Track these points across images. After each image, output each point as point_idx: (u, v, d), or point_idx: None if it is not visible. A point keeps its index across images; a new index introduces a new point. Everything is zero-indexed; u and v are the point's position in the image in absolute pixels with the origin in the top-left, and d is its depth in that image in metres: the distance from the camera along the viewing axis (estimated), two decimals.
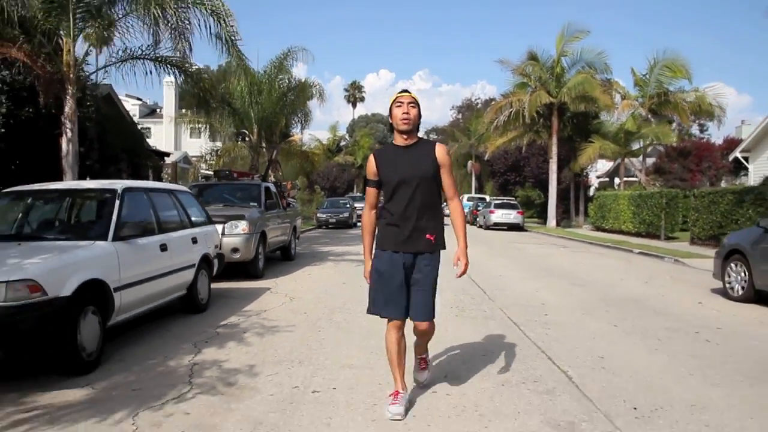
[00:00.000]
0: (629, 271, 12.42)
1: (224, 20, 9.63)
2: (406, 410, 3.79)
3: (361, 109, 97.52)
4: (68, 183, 7.32)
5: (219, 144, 36.31)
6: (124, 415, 3.77)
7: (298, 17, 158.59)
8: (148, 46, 9.98)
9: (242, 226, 9.88)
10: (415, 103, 3.86)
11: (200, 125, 24.39)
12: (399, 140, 3.89)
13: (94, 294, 4.75)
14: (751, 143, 27.32)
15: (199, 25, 9.73)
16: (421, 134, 3.92)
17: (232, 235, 9.74)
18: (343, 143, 66.27)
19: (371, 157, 3.96)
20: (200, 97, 11.18)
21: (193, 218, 7.38)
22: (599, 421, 3.70)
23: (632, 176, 34.78)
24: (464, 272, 3.90)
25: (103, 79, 10.66)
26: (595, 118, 30.31)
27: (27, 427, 3.59)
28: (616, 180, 36.83)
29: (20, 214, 5.88)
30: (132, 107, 42.19)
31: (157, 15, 9.10)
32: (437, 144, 3.95)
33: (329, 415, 3.77)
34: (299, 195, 34.92)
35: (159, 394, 4.19)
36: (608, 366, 4.94)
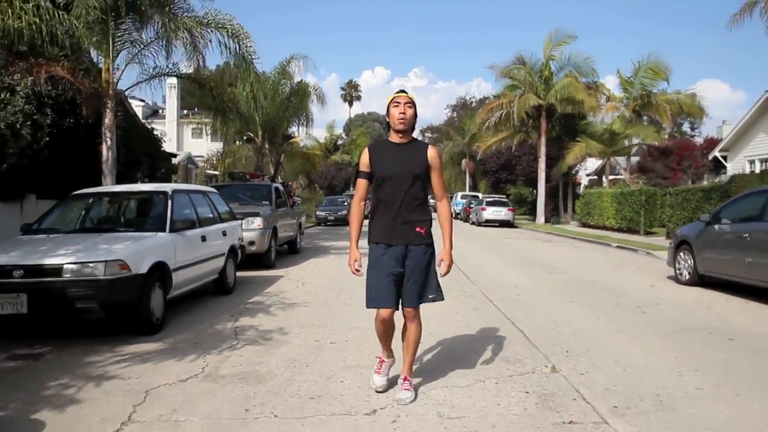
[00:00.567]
0: (602, 262, 13.87)
1: (243, 41, 11.05)
2: (389, 383, 4.23)
3: (358, 108, 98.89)
4: (126, 186, 8.70)
5: (221, 144, 37.66)
6: (194, 357, 5.19)
7: (294, 14, 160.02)
8: (174, 63, 11.37)
9: (257, 222, 11.28)
10: (412, 104, 4.08)
11: (202, 126, 25.76)
12: (394, 138, 4.10)
13: (160, 273, 6.16)
14: (729, 143, 28.79)
15: (220, 45, 11.11)
16: (416, 133, 4.57)
17: (249, 229, 11.11)
18: (340, 142, 67.44)
19: (366, 150, 4.14)
20: (217, 107, 12.57)
21: (222, 215, 8.78)
22: (539, 357, 5.14)
23: (618, 175, 36.25)
24: (447, 272, 4.10)
25: (132, 91, 12.05)
26: (582, 119, 31.75)
27: (126, 365, 4.99)
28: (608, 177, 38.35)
29: (92, 212, 7.29)
30: (135, 108, 43.47)
31: (185, 38, 10.49)
32: (430, 146, 4.17)
33: (344, 356, 5.19)
34: (300, 194, 36.32)
35: (215, 345, 5.60)
36: (556, 327, 6.38)
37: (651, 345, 5.72)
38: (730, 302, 8.35)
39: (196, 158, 39.51)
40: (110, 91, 10.82)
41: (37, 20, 9.21)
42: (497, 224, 30.53)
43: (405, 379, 4.16)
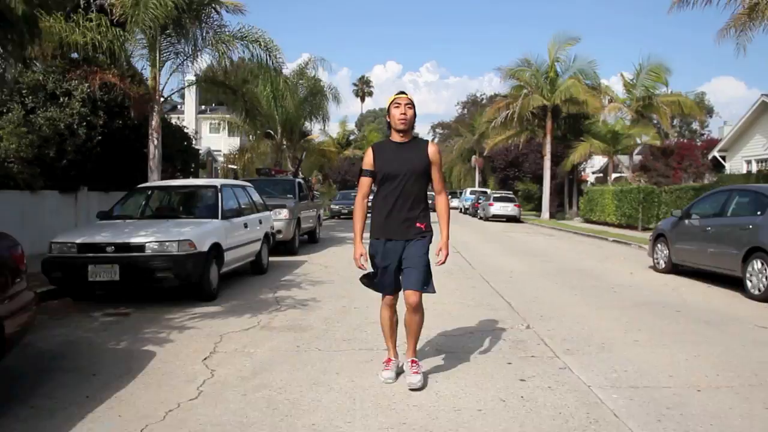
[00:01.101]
0: (594, 253, 15.22)
1: (274, 54, 12.53)
2: (397, 375, 4.40)
3: (369, 103, 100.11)
4: (181, 180, 10.22)
5: (237, 139, 39.14)
6: (249, 316, 6.65)
7: (307, 8, 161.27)
8: (214, 72, 12.84)
9: (284, 213, 12.74)
10: (412, 105, 4.26)
11: (219, 122, 27.20)
12: (396, 137, 4.28)
13: (216, 251, 7.63)
14: (728, 143, 29.95)
15: (252, 57, 12.58)
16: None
17: (277, 219, 12.55)
18: (352, 137, 68.77)
19: (369, 150, 4.33)
20: (247, 110, 14.06)
21: (257, 206, 10.24)
22: (518, 319, 6.57)
23: (622, 173, 37.47)
24: (444, 262, 4.31)
25: (171, 95, 13.54)
26: (586, 119, 33.00)
27: (198, 320, 6.45)
28: (613, 175, 39.59)
29: (154, 202, 8.79)
30: None
31: (222, 50, 11.96)
32: (430, 143, 4.37)
33: (366, 316, 6.61)
34: (318, 188, 37.86)
35: (263, 308, 7.06)
36: (537, 301, 7.80)
37: (611, 313, 7.13)
38: (694, 286, 9.69)
39: (215, 152, 41.12)
40: (157, 97, 12.31)
41: (98, 36, 10.67)
42: (504, 219, 31.82)
43: (413, 362, 4.36)
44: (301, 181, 15.72)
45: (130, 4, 10.74)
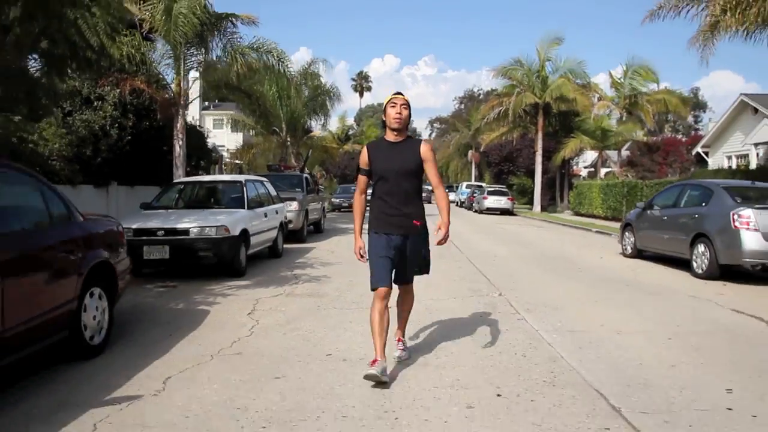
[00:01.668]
0: (575, 242, 16.75)
1: (284, 63, 14.03)
2: (383, 371, 4.14)
3: (368, 98, 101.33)
4: (210, 176, 11.70)
5: (240, 135, 40.50)
6: (274, 287, 8.17)
7: (305, 0, 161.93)
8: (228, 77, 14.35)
9: (294, 205, 14.24)
10: (407, 105, 4.39)
11: (223, 118, 28.62)
12: (390, 136, 4.41)
13: (244, 236, 9.15)
14: (710, 140, 31.51)
15: (265, 64, 14.07)
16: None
17: (288, 211, 14.05)
18: (351, 132, 70.06)
19: (365, 149, 4.48)
20: (260, 113, 15.60)
21: (273, 198, 11.75)
22: (493, 289, 8.12)
23: (610, 168, 39.00)
24: (444, 240, 4.43)
25: (194, 100, 15.04)
26: (576, 116, 34.51)
27: (234, 290, 7.97)
28: (603, 170, 41.16)
29: (188, 195, 10.31)
30: None
31: (239, 60, 13.46)
32: (423, 141, 4.51)
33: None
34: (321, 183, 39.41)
35: (285, 282, 8.59)
36: (512, 278, 9.34)
37: (571, 286, 8.67)
38: (652, 268, 11.20)
39: (219, 148, 42.61)
40: (181, 101, 13.80)
41: (132, 50, 12.14)
42: (498, 212, 33.30)
43: (399, 339, 4.83)
44: (308, 176, 17.23)
45: (160, 21, 12.21)
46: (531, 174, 42.04)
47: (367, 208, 4.62)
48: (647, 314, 6.84)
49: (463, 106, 78.95)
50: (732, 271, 9.75)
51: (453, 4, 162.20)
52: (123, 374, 4.37)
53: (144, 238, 8.32)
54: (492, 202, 33.49)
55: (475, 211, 35.71)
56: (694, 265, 10.12)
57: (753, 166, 26.16)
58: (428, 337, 5.59)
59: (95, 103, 13.84)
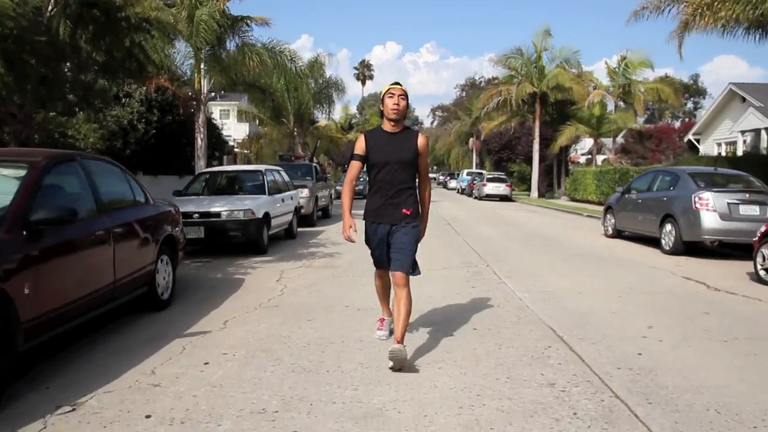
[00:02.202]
0: (565, 225, 18.09)
1: (296, 62, 15.35)
2: (390, 333, 4.85)
3: (371, 87, 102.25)
4: (234, 166, 13.05)
5: (246, 125, 41.74)
6: (295, 261, 9.54)
7: None
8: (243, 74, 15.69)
9: (305, 192, 15.58)
10: (405, 96, 4.42)
11: (229, 108, 29.79)
12: (387, 126, 4.46)
13: (266, 218, 10.52)
14: (701, 127, 32.70)
15: (277, 65, 15.40)
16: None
17: (300, 197, 15.42)
18: (354, 121, 71.19)
19: (362, 136, 4.53)
20: (273, 107, 16.92)
21: (288, 185, 13.11)
22: (482, 262, 9.49)
23: (605, 155, 40.28)
24: (420, 238, 4.65)
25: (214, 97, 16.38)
26: (572, 105, 35.72)
27: (261, 264, 9.33)
28: (599, 157, 42.43)
29: (215, 183, 11.68)
30: None
31: (255, 59, 14.77)
32: (420, 134, 4.55)
33: None
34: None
35: (303, 258, 9.96)
36: (500, 253, 10.70)
37: (550, 260, 10.03)
38: (628, 246, 12.54)
39: (226, 137, 43.97)
40: (201, 97, 15.14)
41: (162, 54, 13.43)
42: (497, 198, 34.61)
43: (397, 341, 4.29)
44: (317, 165, 18.58)
45: (183, 26, 13.50)
46: (530, 161, 43.23)
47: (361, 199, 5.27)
48: (609, 280, 8.20)
49: (464, 94, 79.77)
50: (696, 247, 11.11)
51: None
52: (191, 319, 5.76)
53: (183, 220, 9.67)
54: (491, 188, 34.79)
55: (475, 198, 37.02)
56: (663, 242, 11.46)
57: (740, 152, 27.47)
58: (423, 294, 6.96)
59: (123, 100, 15.16)
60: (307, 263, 9.42)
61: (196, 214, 9.73)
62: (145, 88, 15.02)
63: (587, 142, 48.04)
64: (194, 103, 15.15)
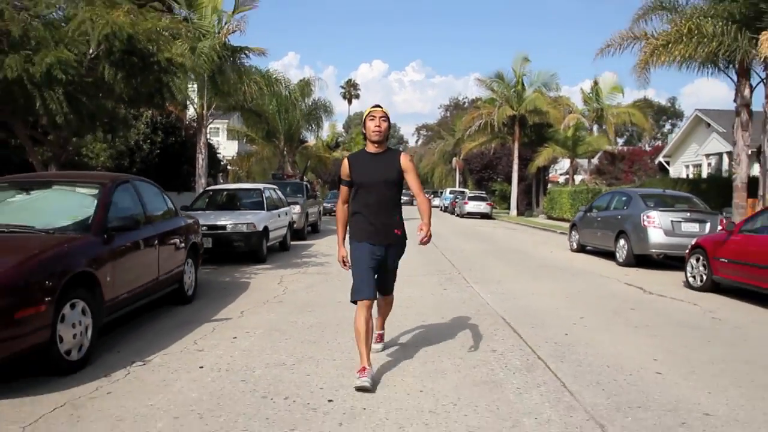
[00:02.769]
0: (537, 241, 19.56)
1: (290, 88, 16.77)
2: (373, 383, 4.31)
3: (357, 106, 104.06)
4: (235, 184, 14.38)
5: (236, 143, 43.07)
6: (291, 268, 10.88)
7: (293, 6, 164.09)
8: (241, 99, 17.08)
9: (297, 208, 16.93)
10: (386, 118, 4.49)
11: (218, 127, 31.18)
12: (371, 148, 4.53)
13: (265, 231, 11.85)
14: (671, 150, 34.55)
15: (273, 92, 16.82)
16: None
17: (292, 213, 16.77)
18: (340, 139, 72.61)
19: (345, 161, 4.56)
20: (267, 130, 18.33)
21: (283, 202, 14.46)
22: (454, 271, 10.89)
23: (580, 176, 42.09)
24: (427, 240, 4.39)
25: (214, 119, 17.75)
26: (550, 127, 37.54)
27: (262, 270, 10.65)
28: (577, 177, 44.27)
29: (217, 199, 13.02)
30: None
31: (252, 86, 16.18)
32: (402, 153, 4.59)
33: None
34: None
35: (298, 266, 11.30)
36: (472, 264, 12.11)
37: (515, 270, 11.46)
38: (589, 259, 14.01)
39: (216, 156, 45.31)
40: (203, 121, 16.50)
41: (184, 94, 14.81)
42: (478, 216, 36.10)
43: (380, 335, 5.36)
44: (307, 183, 19.96)
45: (186, 57, 14.88)
46: (509, 180, 45.08)
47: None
48: (562, 285, 9.62)
49: (448, 114, 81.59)
50: (646, 260, 12.60)
51: (441, 10, 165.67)
52: (213, 311, 7.08)
53: None
54: (472, 206, 36.31)
55: (457, 215, 38.51)
56: (617, 255, 12.94)
57: (705, 174, 29.27)
58: (401, 293, 8.33)
59: (131, 122, 16.46)
60: (302, 270, 10.76)
61: (205, 227, 11.03)
62: (151, 111, 16.34)
63: (566, 163, 50.04)
64: (195, 125, 16.49)
